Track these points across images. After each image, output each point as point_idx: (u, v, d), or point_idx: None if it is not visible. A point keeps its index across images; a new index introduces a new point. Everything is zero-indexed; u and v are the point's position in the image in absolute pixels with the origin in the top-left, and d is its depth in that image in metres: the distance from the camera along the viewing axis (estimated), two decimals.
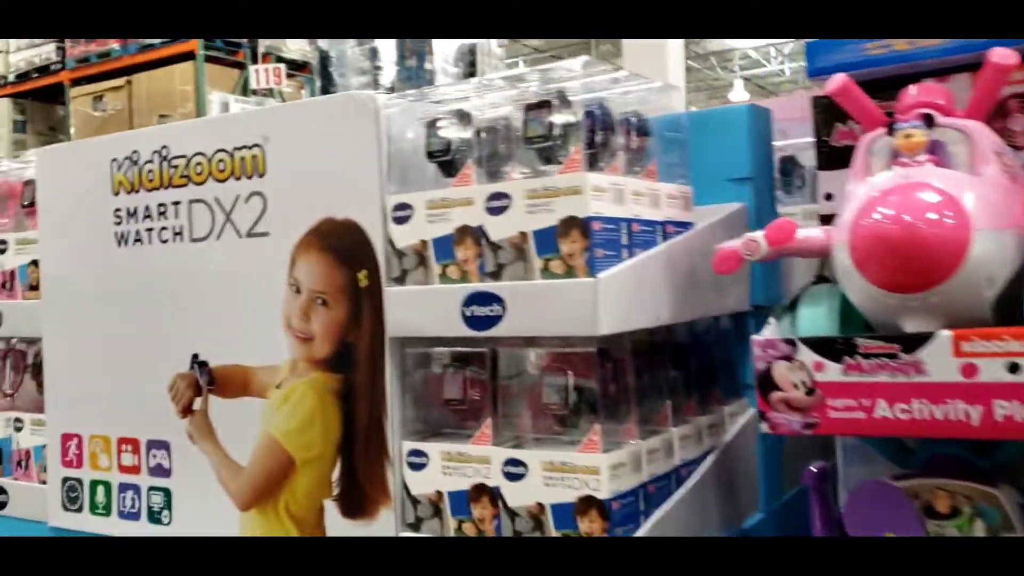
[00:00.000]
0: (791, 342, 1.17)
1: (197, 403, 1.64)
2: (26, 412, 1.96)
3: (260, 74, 6.24)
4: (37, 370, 2.03)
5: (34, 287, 1.90)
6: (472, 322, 1.32)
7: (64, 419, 1.83)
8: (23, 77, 6.73)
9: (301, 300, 1.50)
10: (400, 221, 1.40)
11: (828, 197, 1.39)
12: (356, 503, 1.47)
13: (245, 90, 6.34)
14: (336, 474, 1.48)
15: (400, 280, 1.41)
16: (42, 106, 6.92)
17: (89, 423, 1.79)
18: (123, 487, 1.75)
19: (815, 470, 1.30)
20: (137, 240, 1.70)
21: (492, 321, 1.30)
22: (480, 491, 1.35)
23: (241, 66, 6.30)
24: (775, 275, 1.70)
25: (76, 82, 6.38)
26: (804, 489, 1.33)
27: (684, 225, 1.48)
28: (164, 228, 1.67)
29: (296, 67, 6.46)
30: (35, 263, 1.90)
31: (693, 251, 1.45)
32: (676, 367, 1.49)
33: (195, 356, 1.64)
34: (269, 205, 1.54)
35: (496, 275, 1.32)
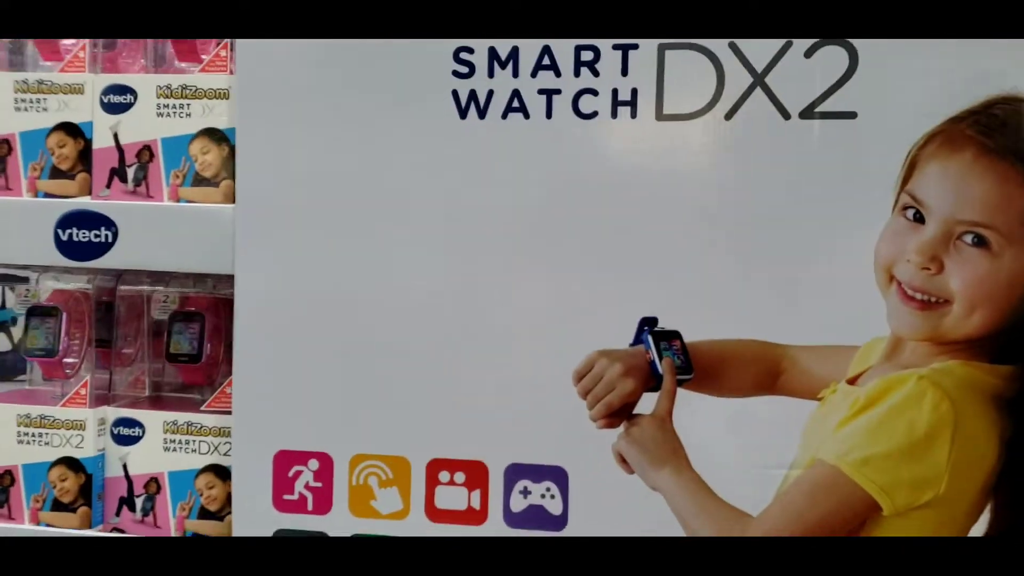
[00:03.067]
0: None
1: (641, 404, 0.93)
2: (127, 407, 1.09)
3: None
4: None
5: (204, 180, 1.02)
6: None
7: (277, 424, 1.01)
8: None
9: (928, 236, 0.86)
10: None
11: None
12: None
13: None
14: (980, 530, 0.89)
15: None
16: None
17: (347, 433, 0.99)
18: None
19: None
20: (515, 109, 0.94)
21: None
22: None
23: None
24: None
25: None
26: None
27: None
28: (587, 92, 0.92)
29: None
30: (212, 135, 1.02)
31: None
32: None
33: (649, 322, 0.93)
34: (862, 62, 0.88)
35: None
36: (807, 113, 0.89)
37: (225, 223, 1.00)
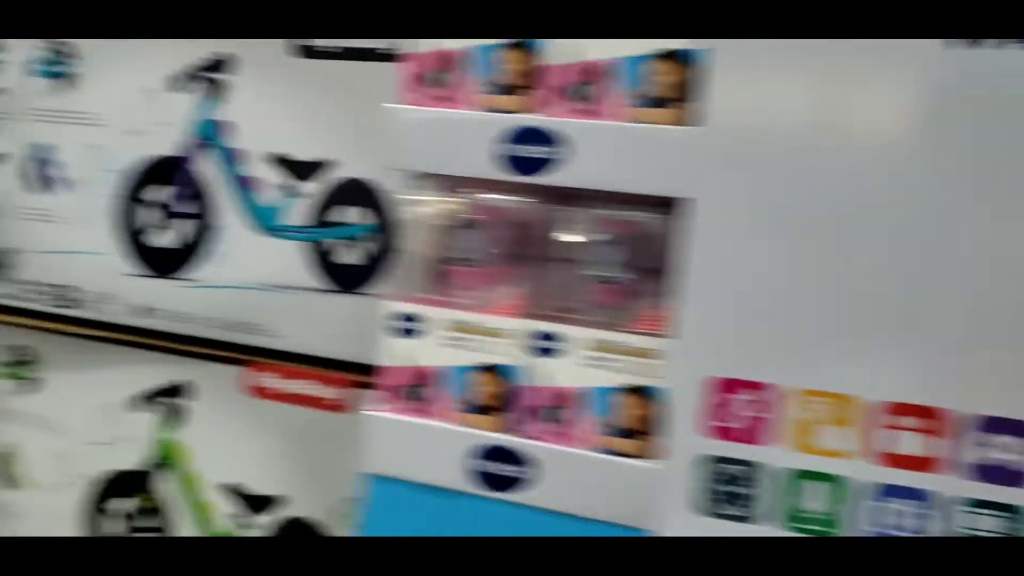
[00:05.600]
0: None
1: None
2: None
3: None
4: None
5: None
6: None
7: (717, 348, 1.01)
8: None
9: None
10: None
11: None
12: None
13: None
14: None
15: None
16: None
17: (798, 365, 0.98)
18: (875, 492, 0.96)
19: None
20: None
21: None
22: None
23: None
24: None
25: None
26: None
27: None
28: None
29: None
30: None
31: None
32: None
33: None
34: None
35: None
36: None
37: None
